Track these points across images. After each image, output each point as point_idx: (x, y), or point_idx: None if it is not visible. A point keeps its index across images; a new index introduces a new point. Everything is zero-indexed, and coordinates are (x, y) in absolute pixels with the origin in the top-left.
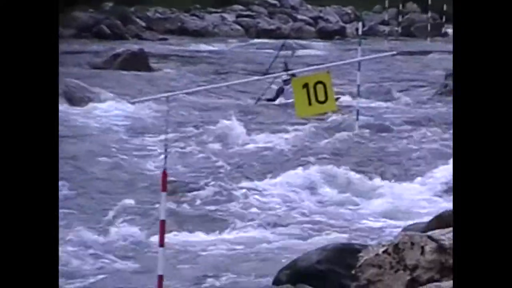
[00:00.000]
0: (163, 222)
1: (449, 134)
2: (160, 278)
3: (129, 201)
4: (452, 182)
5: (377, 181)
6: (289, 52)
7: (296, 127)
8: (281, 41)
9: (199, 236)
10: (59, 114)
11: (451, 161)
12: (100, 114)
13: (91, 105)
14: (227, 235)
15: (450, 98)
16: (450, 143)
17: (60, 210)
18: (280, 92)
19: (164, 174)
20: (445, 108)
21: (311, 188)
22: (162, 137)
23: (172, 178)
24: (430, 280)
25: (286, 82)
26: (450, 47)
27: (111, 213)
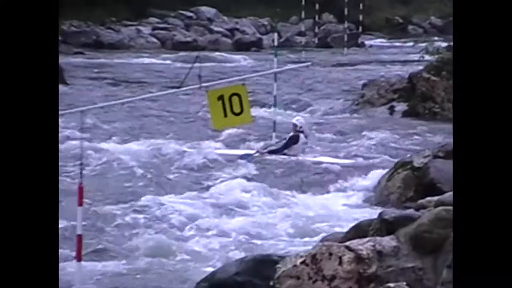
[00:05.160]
0: (80, 237)
1: (367, 145)
2: None
3: None
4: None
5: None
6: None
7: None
8: (196, 53)
9: None
10: None
11: (371, 173)
12: None
13: None
14: None
15: (368, 108)
16: (371, 154)
17: None
18: (294, 142)
19: (80, 189)
20: (363, 118)
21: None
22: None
23: None
24: None
25: (299, 129)
26: (366, 57)
27: None
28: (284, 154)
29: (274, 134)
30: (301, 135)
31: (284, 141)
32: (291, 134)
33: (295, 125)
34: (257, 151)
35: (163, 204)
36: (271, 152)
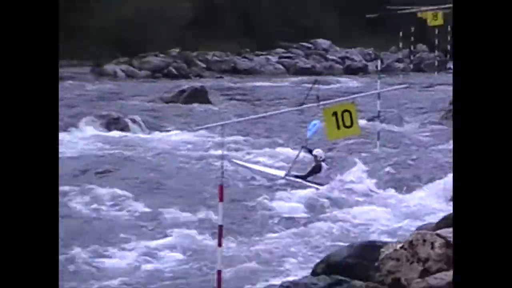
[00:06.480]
0: (221, 227)
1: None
2: (219, 273)
3: None
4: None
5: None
6: (319, 86)
7: None
8: (314, 77)
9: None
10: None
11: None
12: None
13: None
14: None
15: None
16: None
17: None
18: (317, 171)
19: (221, 187)
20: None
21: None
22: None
23: None
24: (439, 270)
25: (319, 159)
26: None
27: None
28: (309, 181)
29: (378, 143)
30: (323, 164)
31: (309, 169)
32: (314, 164)
33: (315, 156)
34: (285, 175)
35: None
36: (296, 177)
